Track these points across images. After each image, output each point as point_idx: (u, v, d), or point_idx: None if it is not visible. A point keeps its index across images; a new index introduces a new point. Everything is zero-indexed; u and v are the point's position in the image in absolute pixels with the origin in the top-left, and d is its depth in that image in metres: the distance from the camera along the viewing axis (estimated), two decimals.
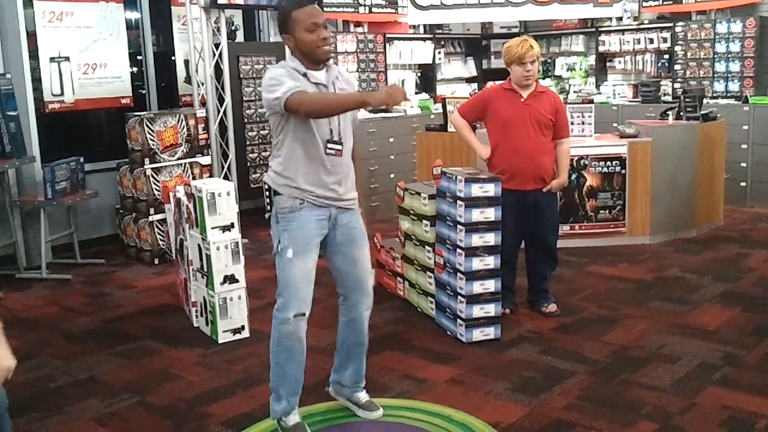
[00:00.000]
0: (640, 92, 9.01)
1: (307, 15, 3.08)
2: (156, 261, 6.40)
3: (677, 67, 8.69)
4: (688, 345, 4.24)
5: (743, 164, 7.86)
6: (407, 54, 9.50)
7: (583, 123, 6.60)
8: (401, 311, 4.96)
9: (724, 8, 8.49)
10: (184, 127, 6.68)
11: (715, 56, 8.38)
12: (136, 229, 6.52)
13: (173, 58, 7.87)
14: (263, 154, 7.70)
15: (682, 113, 6.93)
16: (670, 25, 8.79)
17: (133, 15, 7.49)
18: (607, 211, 6.47)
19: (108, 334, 4.75)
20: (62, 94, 6.76)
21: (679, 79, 8.66)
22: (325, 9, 8.17)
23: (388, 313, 4.91)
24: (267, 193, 3.24)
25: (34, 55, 6.53)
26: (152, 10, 7.56)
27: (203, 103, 7.14)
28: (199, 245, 4.59)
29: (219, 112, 7.20)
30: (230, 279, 4.51)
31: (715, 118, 7.06)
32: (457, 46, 10.43)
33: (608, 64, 9.62)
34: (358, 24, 8.98)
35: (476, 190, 4.17)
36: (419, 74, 9.86)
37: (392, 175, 7.90)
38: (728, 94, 8.30)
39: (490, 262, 4.25)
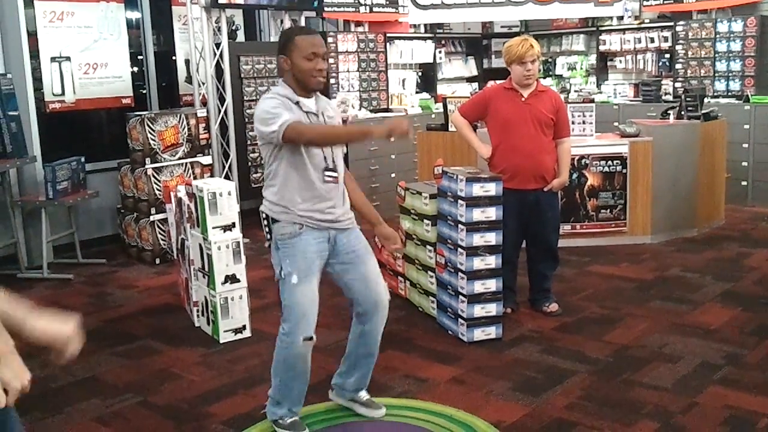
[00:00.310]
0: (641, 91, 9.01)
1: (309, 44, 3.09)
2: (157, 261, 6.41)
3: (678, 66, 8.69)
4: (690, 344, 4.24)
5: (744, 163, 7.86)
6: (408, 53, 9.50)
7: (584, 122, 6.59)
8: (402, 311, 4.96)
9: (724, 7, 8.49)
10: (185, 127, 6.68)
11: (716, 55, 8.37)
12: (137, 228, 6.52)
13: (174, 57, 7.87)
14: None
15: (683, 112, 6.93)
16: (671, 24, 8.79)
17: (134, 15, 7.49)
18: (608, 210, 6.47)
19: (109, 333, 4.76)
20: (63, 93, 6.77)
21: (680, 79, 8.66)
22: (326, 9, 8.19)
23: (390, 313, 4.80)
24: (265, 222, 3.23)
25: (35, 54, 6.53)
26: (153, 10, 7.56)
27: (204, 103, 7.15)
28: (200, 245, 4.59)
29: (220, 111, 7.21)
30: (231, 279, 4.51)
31: (716, 118, 7.06)
32: (458, 45, 10.43)
33: (609, 63, 9.62)
34: (358, 23, 8.98)
35: (477, 189, 4.17)
36: (420, 74, 9.86)
37: (393, 175, 7.90)
38: (729, 94, 8.30)
39: (492, 261, 4.25)
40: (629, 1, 9.19)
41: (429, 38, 9.73)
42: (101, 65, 7.01)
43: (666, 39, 8.92)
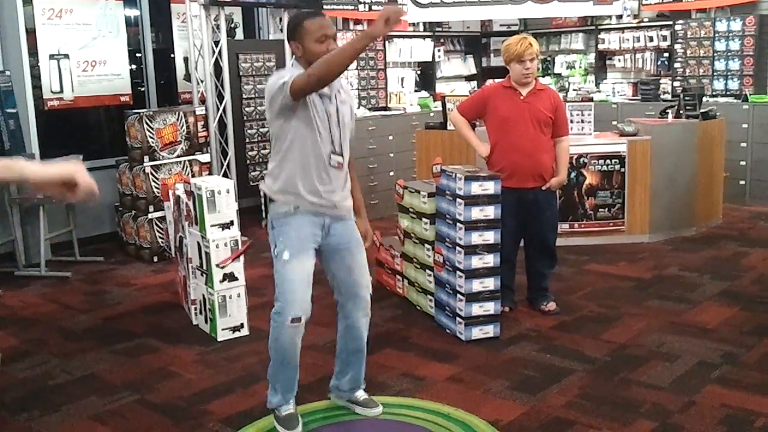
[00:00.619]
0: (639, 90, 9.01)
1: (319, 26, 3.09)
2: (155, 259, 6.40)
3: (677, 65, 8.69)
4: (687, 343, 4.24)
5: (742, 162, 7.86)
6: (407, 52, 9.49)
7: (582, 121, 6.60)
8: (400, 309, 4.97)
9: (723, 6, 8.48)
10: (183, 125, 6.67)
11: (715, 54, 8.37)
12: (136, 226, 6.51)
13: (173, 55, 7.86)
14: (263, 152, 7.69)
15: (681, 111, 6.94)
16: (670, 23, 8.78)
17: (133, 12, 7.48)
18: (607, 209, 6.48)
19: (107, 331, 4.75)
20: (62, 91, 6.76)
21: (678, 78, 8.65)
22: (325, 7, 8.17)
23: (387, 311, 4.92)
24: (263, 200, 3.23)
25: (33, 52, 6.52)
26: (152, 8, 7.55)
27: (203, 101, 7.14)
28: (198, 243, 4.59)
29: (218, 109, 7.20)
30: (230, 277, 4.51)
31: (714, 117, 7.06)
32: (457, 44, 10.42)
33: (608, 62, 9.61)
34: (357, 22, 8.97)
35: (476, 188, 4.17)
36: (419, 72, 9.85)
37: (392, 173, 7.90)
38: (728, 93, 8.29)
39: (490, 260, 4.25)
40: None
41: (428, 36, 9.72)
42: (100, 63, 7.00)
43: (665, 38, 8.91)
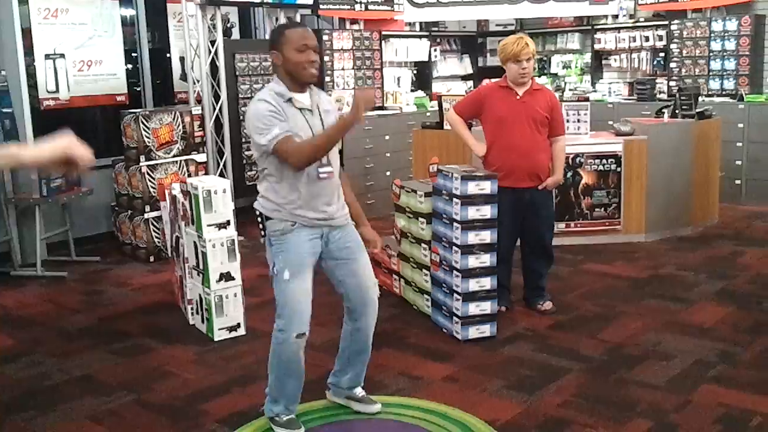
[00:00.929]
0: (635, 90, 9.03)
1: (299, 36, 3.10)
2: (151, 259, 6.39)
3: (673, 65, 8.69)
4: (684, 342, 4.25)
5: (738, 162, 7.88)
6: (403, 51, 9.49)
7: (578, 121, 6.60)
8: (397, 309, 4.97)
9: (719, 6, 8.50)
10: (179, 125, 6.67)
11: (711, 54, 8.38)
12: (132, 226, 6.50)
13: (169, 55, 7.85)
14: None
15: (677, 111, 6.95)
16: (666, 23, 8.79)
17: (129, 12, 7.47)
18: (603, 208, 6.48)
19: (103, 331, 4.75)
20: (57, 91, 6.75)
21: (674, 77, 8.66)
22: (321, 6, 8.17)
23: (384, 311, 4.87)
24: (259, 219, 3.23)
25: (29, 51, 6.51)
26: (148, 7, 7.54)
27: (199, 101, 7.13)
28: (194, 243, 4.58)
29: (215, 109, 7.20)
30: (226, 276, 4.51)
31: (710, 116, 7.08)
32: (453, 43, 10.43)
33: (604, 61, 9.62)
34: (354, 21, 8.97)
35: (472, 187, 4.17)
36: (415, 72, 9.85)
37: (388, 173, 7.90)
38: (723, 92, 8.31)
39: (486, 259, 4.25)
40: None
41: (424, 36, 9.72)
42: (96, 62, 6.99)
43: (661, 38, 8.93)
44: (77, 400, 3.74)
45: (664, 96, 8.62)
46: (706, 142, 6.93)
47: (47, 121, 6.83)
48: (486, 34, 10.38)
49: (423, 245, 4.73)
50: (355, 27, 8.94)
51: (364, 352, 3.44)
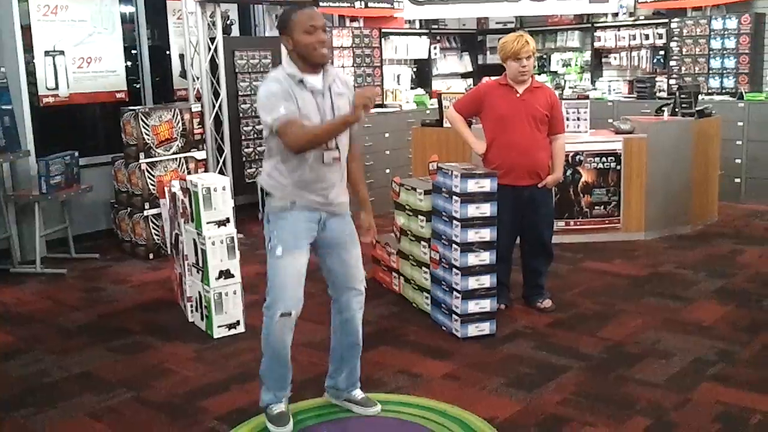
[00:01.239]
0: (635, 88, 9.02)
1: (308, 17, 3.10)
2: (151, 256, 6.39)
3: (672, 63, 8.70)
4: (683, 341, 4.25)
5: (738, 160, 7.88)
6: (403, 49, 9.49)
7: (578, 119, 6.60)
8: (396, 306, 4.97)
9: (719, 4, 8.49)
10: (179, 122, 6.66)
11: (711, 53, 8.39)
12: (131, 223, 6.50)
13: (168, 52, 7.84)
14: (258, 149, 7.68)
15: (677, 109, 6.95)
16: (666, 21, 8.79)
17: (128, 9, 7.46)
18: (602, 206, 6.48)
19: (103, 329, 4.75)
20: (57, 88, 6.74)
21: (674, 76, 8.66)
22: (321, 4, 8.16)
23: (383, 309, 4.92)
24: (261, 195, 3.24)
25: (28, 48, 6.51)
26: (147, 4, 7.53)
27: (198, 98, 7.13)
28: (194, 240, 4.58)
29: (214, 106, 7.19)
30: (225, 274, 4.50)
31: (710, 115, 7.08)
32: (453, 41, 10.42)
33: (604, 60, 9.62)
34: (353, 19, 8.96)
35: (472, 185, 4.17)
36: (415, 69, 9.85)
37: (388, 171, 7.90)
38: (723, 91, 8.31)
39: (486, 257, 4.25)
40: None
41: (424, 34, 9.72)
42: (95, 59, 6.98)
43: (660, 36, 8.92)
44: (76, 397, 3.74)
45: (664, 94, 8.61)
46: (706, 140, 6.94)
47: (47, 118, 6.83)
48: (486, 32, 10.38)
49: (422, 243, 4.73)
50: (355, 24, 8.94)
51: (356, 346, 3.43)
